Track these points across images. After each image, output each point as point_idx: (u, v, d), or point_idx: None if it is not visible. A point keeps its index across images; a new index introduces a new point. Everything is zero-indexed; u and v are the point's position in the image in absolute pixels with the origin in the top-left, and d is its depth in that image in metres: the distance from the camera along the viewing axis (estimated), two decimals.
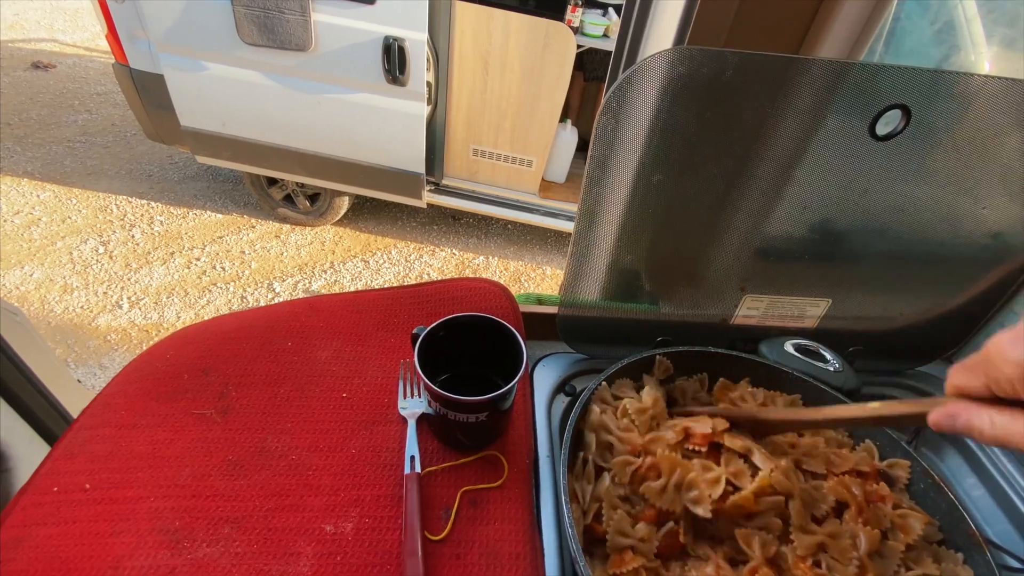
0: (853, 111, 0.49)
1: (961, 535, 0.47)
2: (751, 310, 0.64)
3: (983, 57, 1.12)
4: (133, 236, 2.41)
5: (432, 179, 2.41)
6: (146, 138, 2.46)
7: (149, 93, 2.20)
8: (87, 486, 0.50)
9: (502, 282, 0.67)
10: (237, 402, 0.57)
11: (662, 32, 0.64)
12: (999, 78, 0.49)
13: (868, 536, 0.44)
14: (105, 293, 2.12)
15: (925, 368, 0.72)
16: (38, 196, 2.56)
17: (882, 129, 0.50)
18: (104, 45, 2.23)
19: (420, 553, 0.45)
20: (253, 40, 1.94)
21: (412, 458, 0.52)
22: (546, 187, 2.54)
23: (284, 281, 2.30)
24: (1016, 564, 0.53)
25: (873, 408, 0.39)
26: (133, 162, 2.90)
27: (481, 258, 2.64)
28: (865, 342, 0.67)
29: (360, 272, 2.42)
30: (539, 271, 2.63)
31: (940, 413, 0.32)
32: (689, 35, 0.60)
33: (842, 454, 0.52)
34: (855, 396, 0.58)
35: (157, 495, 0.49)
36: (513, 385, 0.51)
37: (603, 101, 0.47)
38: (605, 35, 2.30)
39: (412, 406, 0.58)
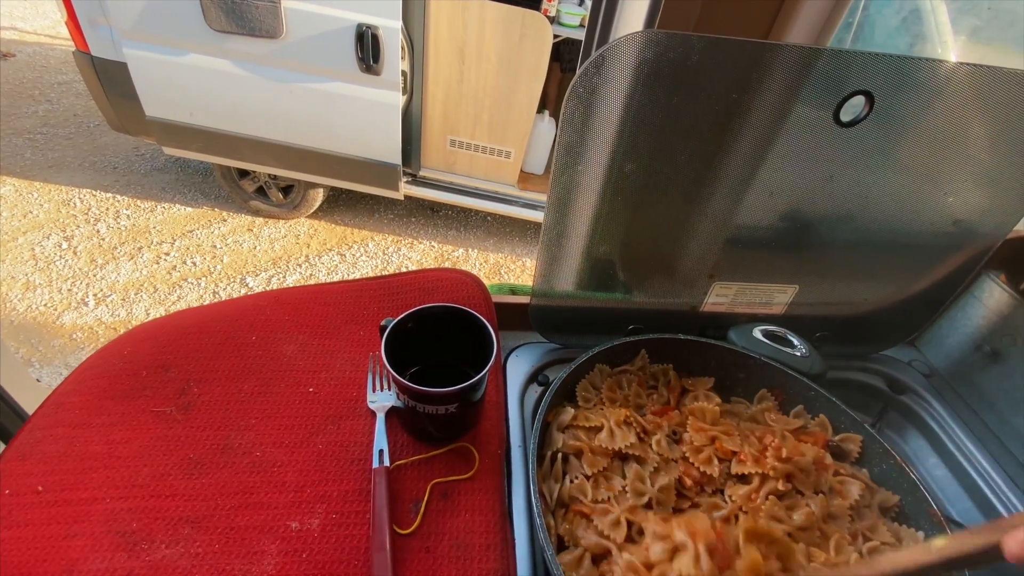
0: (818, 97, 0.49)
1: (923, 515, 0.48)
2: (720, 297, 0.64)
3: (949, 47, 1.14)
4: (98, 231, 2.33)
5: (409, 170, 2.38)
6: (110, 129, 2.37)
7: (112, 82, 2.12)
8: (39, 488, 0.48)
9: (482, 274, 0.66)
10: (199, 399, 0.55)
11: (632, 18, 0.64)
12: (961, 64, 0.49)
13: (819, 502, 0.46)
14: (70, 290, 2.05)
15: (889, 352, 0.74)
16: None
17: (846, 116, 0.50)
18: (65, 32, 2.14)
19: (388, 547, 0.45)
20: (221, 27, 1.88)
21: (381, 452, 0.51)
22: (525, 178, 2.53)
23: (257, 276, 2.25)
24: None
25: (939, 548, 0.33)
26: (97, 154, 2.80)
27: (460, 250, 2.62)
28: (831, 327, 0.68)
29: (336, 266, 2.38)
30: (519, 263, 2.62)
31: (1018, 540, 0.27)
32: (659, 20, 0.59)
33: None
34: (821, 380, 0.58)
35: (113, 496, 0.47)
36: (483, 376, 0.51)
37: (570, 86, 0.46)
38: (581, 25, 2.28)
39: (381, 399, 0.57)
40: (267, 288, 2.21)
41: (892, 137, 0.53)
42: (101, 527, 0.45)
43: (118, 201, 2.51)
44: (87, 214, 2.41)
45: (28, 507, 0.46)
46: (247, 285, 2.20)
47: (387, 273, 0.66)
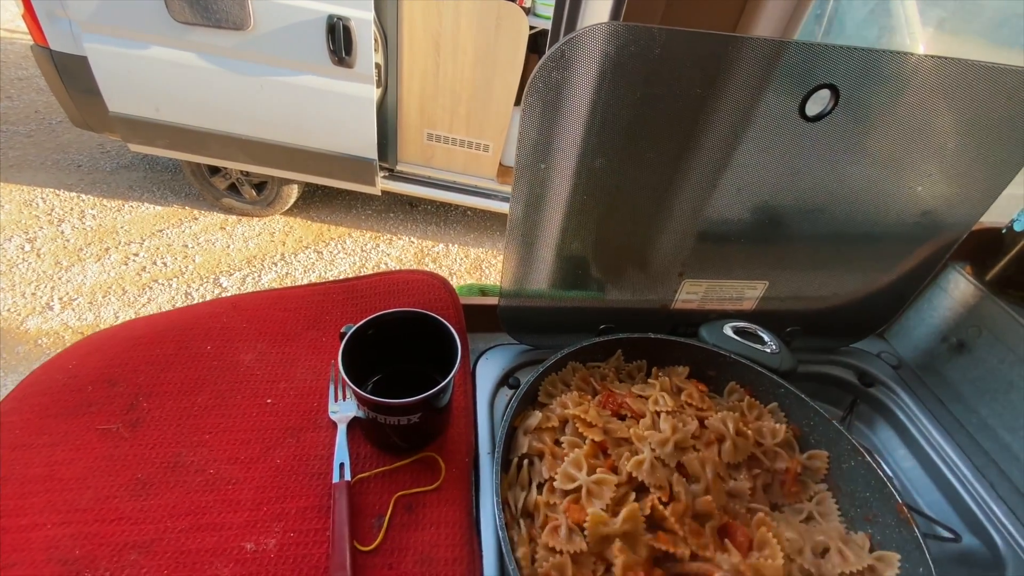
0: (783, 91, 0.48)
1: (891, 511, 0.48)
2: (691, 294, 0.63)
3: (918, 39, 1.15)
4: (63, 232, 2.25)
5: (386, 165, 2.33)
6: (72, 126, 2.28)
7: (73, 77, 2.03)
8: None
9: (463, 270, 0.64)
10: (148, 414, 0.52)
11: (598, 9, 0.62)
12: (925, 56, 0.49)
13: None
14: (34, 294, 1.98)
15: (859, 344, 0.74)
16: None
17: (812, 110, 0.49)
18: (23, 26, 2.04)
19: (349, 566, 0.43)
20: (185, 18, 1.81)
21: (342, 465, 0.50)
22: (504, 172, 2.50)
23: (232, 275, 2.19)
24: (947, 535, 0.55)
25: None
26: (59, 152, 2.69)
27: (441, 246, 2.59)
28: (802, 322, 0.68)
29: (313, 263, 2.33)
30: (500, 257, 2.60)
31: None
32: (624, 11, 0.58)
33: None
34: (791, 377, 0.58)
35: (54, 522, 0.44)
36: (447, 383, 0.49)
37: (528, 81, 0.45)
38: None
39: (344, 409, 0.55)
40: (241, 288, 2.15)
41: (858, 131, 0.52)
42: (41, 555, 0.42)
43: (83, 200, 2.43)
44: (50, 215, 2.32)
45: None
46: (221, 285, 2.15)
47: (348, 276, 0.63)
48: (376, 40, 1.95)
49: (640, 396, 0.55)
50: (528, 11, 2.15)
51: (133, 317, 1.96)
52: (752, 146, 0.52)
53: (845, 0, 1.14)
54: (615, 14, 0.60)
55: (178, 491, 0.47)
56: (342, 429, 0.52)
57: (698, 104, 0.49)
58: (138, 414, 0.52)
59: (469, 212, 2.81)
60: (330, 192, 2.70)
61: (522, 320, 0.64)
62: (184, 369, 0.56)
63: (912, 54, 0.49)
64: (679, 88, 0.47)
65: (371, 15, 1.84)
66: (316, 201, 2.67)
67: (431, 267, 2.47)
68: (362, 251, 2.45)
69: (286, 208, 2.49)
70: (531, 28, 2.07)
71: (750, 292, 0.64)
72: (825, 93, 0.49)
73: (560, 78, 0.45)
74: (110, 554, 0.43)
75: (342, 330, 0.53)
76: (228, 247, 2.33)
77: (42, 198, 2.40)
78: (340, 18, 1.81)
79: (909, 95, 0.50)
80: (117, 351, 0.57)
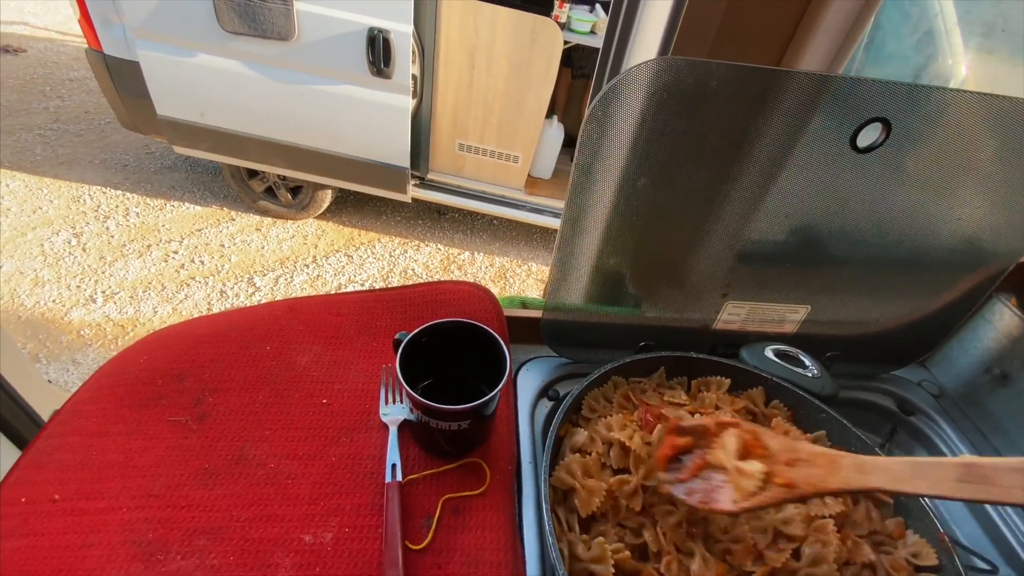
0: (834, 123, 0.50)
1: (932, 539, 0.48)
2: (733, 315, 0.65)
3: (960, 63, 1.14)
4: (107, 228, 2.35)
5: (417, 173, 2.39)
6: (121, 127, 2.38)
7: (124, 80, 2.13)
8: (56, 497, 0.48)
9: (488, 278, 0.67)
10: (214, 408, 0.55)
11: (647, 40, 0.64)
12: (975, 93, 0.50)
13: None
14: (78, 287, 2.07)
15: (900, 372, 0.74)
16: (7, 185, 2.47)
17: (863, 141, 0.51)
18: (77, 29, 2.15)
19: (401, 563, 0.45)
20: (234, 28, 1.89)
21: (393, 466, 0.52)
22: (532, 183, 2.53)
23: (265, 276, 2.26)
24: (984, 566, 0.55)
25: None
26: (107, 151, 2.82)
27: (467, 254, 2.62)
28: (843, 347, 0.68)
29: (343, 267, 2.39)
30: (525, 267, 2.63)
31: None
32: (674, 44, 0.60)
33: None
34: (832, 401, 0.59)
35: (129, 506, 0.47)
36: (496, 392, 0.51)
37: (587, 110, 0.47)
38: (592, 31, 2.29)
39: (394, 412, 0.57)
40: (274, 288, 2.22)
41: (908, 163, 0.53)
42: (117, 537, 0.46)
43: (128, 199, 2.53)
44: (97, 211, 2.43)
45: (44, 516, 0.47)
46: (254, 285, 2.21)
47: (401, 284, 0.66)
48: (414, 52, 2.00)
49: (673, 403, 0.56)
50: (563, 26, 2.18)
51: (170, 312, 2.04)
52: (800, 174, 0.53)
53: (887, 26, 1.15)
54: (664, 46, 0.63)
55: (242, 482, 0.50)
56: (393, 431, 0.55)
57: (747, 134, 0.50)
58: (204, 408, 0.55)
59: (496, 221, 2.84)
60: (361, 198, 2.77)
61: (563, 334, 0.66)
62: (246, 367, 0.59)
63: (963, 91, 0.50)
64: (730, 119, 0.49)
65: (410, 28, 1.90)
66: (348, 206, 2.74)
67: (456, 274, 2.51)
68: (390, 256, 2.50)
69: (319, 212, 2.56)
70: (565, 43, 2.10)
71: (792, 315, 0.65)
72: (876, 125, 0.50)
73: (617, 107, 0.47)
74: (181, 538, 0.46)
75: (396, 336, 0.55)
76: (262, 248, 2.40)
77: (89, 195, 2.51)
78: (380, 31, 1.87)
79: (957, 128, 0.51)
80: (185, 347, 0.60)
